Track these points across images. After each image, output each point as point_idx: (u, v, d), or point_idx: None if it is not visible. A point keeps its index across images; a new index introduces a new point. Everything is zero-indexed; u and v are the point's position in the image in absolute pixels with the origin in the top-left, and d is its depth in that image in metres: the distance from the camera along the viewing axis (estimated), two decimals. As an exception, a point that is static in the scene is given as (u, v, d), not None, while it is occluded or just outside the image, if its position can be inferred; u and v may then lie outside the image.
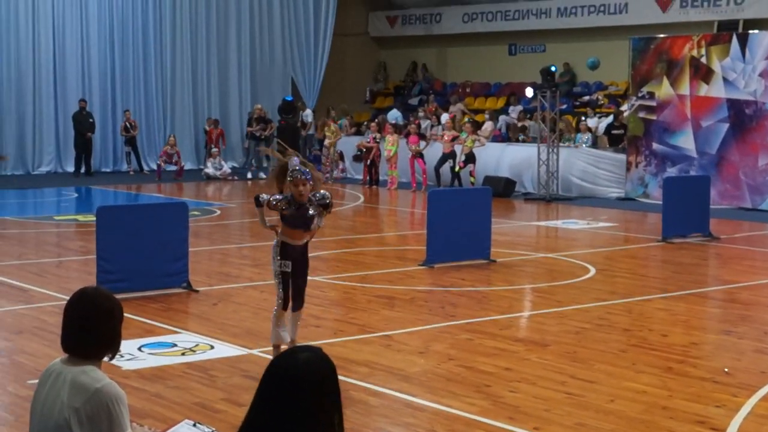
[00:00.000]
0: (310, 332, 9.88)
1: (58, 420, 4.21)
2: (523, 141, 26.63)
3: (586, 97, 29.49)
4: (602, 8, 29.65)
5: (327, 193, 8.73)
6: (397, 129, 27.09)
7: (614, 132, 25.21)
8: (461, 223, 14.07)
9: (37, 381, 4.51)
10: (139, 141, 30.13)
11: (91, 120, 28.67)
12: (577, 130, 25.94)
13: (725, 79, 22.03)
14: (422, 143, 25.88)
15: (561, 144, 24.42)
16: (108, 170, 30.25)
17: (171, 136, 29.05)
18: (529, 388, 8.12)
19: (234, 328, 10.13)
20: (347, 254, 15.34)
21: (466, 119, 27.08)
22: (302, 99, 32.12)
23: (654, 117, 23.21)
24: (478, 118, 29.21)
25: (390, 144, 26.14)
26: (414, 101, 33.22)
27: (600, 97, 29.11)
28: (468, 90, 33.05)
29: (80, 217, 19.62)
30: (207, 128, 30.39)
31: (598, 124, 26.74)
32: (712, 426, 7.23)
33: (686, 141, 22.69)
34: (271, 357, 8.31)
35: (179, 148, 29.31)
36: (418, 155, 25.69)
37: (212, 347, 9.42)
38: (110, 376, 4.35)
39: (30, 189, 25.24)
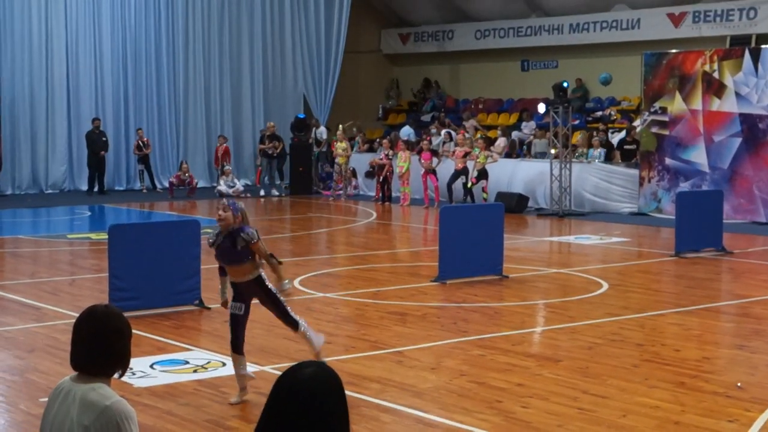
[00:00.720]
0: (322, 349, 9.87)
1: (68, 437, 4.22)
2: (524, 156, 26.64)
3: (599, 113, 29.49)
4: (614, 24, 29.67)
5: (253, 232, 8.25)
6: (410, 146, 27.13)
7: (627, 147, 25.19)
8: (474, 238, 14.07)
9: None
10: (152, 159, 30.21)
11: (104, 139, 28.79)
12: (590, 146, 25.93)
13: (738, 94, 22.00)
14: (434, 160, 25.90)
15: (573, 159, 24.40)
16: (121, 188, 30.34)
17: (184, 163, 29.08)
18: (541, 404, 8.11)
19: (246, 345, 10.10)
20: (360, 270, 15.34)
21: (478, 135, 27.11)
22: (314, 116, 32.17)
23: (666, 132, 23.18)
24: (491, 134, 29.22)
25: (402, 161, 26.17)
26: (426, 118, 33.26)
27: (612, 113, 29.10)
28: (480, 106, 33.08)
29: (93, 235, 19.67)
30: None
31: (611, 139, 26.72)
32: (725, 441, 7.22)
33: (699, 156, 22.66)
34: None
35: (191, 165, 29.37)
36: (431, 171, 25.71)
37: (224, 364, 9.42)
38: (121, 394, 4.36)
39: (43, 207, 25.34)
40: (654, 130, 23.44)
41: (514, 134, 29.17)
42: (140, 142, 29.48)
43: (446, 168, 25.78)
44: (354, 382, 8.52)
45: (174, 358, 9.69)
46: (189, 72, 31.57)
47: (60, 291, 13.42)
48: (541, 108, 25.87)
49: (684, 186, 22.52)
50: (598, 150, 25.28)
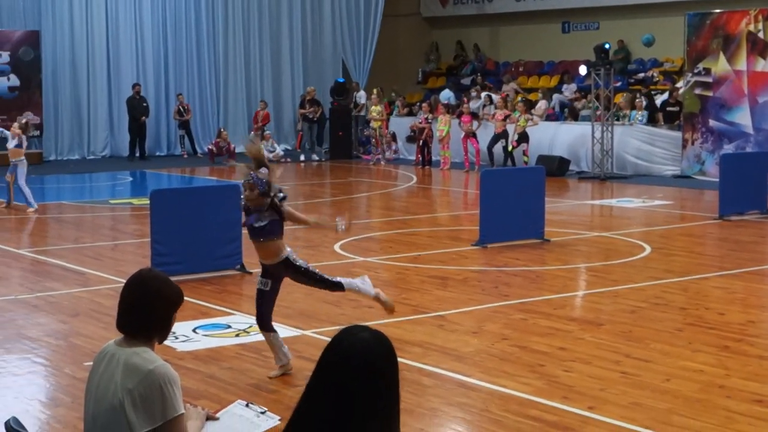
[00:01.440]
0: (363, 313, 9.91)
1: (112, 401, 4.25)
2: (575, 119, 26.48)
3: (641, 75, 29.20)
4: (657, -17, 29.31)
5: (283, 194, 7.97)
6: (450, 109, 27.01)
7: (669, 109, 24.93)
8: (515, 202, 14.01)
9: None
10: (193, 124, 30.28)
11: (144, 104, 28.86)
12: (632, 108, 25.70)
13: (783, 54, 21.72)
14: (475, 123, 25.79)
15: (615, 122, 24.21)
16: (162, 154, 30.45)
17: (222, 130, 29.04)
18: (583, 368, 8.09)
19: (287, 310, 10.17)
20: (400, 235, 15.34)
21: (519, 98, 26.94)
22: (354, 80, 32.09)
23: (710, 93, 22.93)
24: (532, 97, 29.05)
25: (442, 124, 26.08)
26: (466, 81, 33.09)
27: (655, 74, 28.81)
28: (521, 69, 32.85)
29: (135, 201, 19.79)
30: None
31: (655, 101, 26.47)
32: (770, 405, 7.17)
33: (743, 117, 22.40)
34: (326, 338, 8.33)
35: (232, 130, 29.44)
36: (471, 135, 25.61)
37: (266, 328, 9.46)
38: (164, 358, 4.38)
39: (86, 173, 25.51)
40: (697, 91, 23.19)
41: (555, 97, 28.97)
42: (180, 108, 29.54)
43: (486, 131, 25.68)
44: (395, 347, 8.49)
45: (216, 322, 9.75)
46: (228, 37, 31.55)
47: (103, 256, 13.52)
48: (583, 70, 25.67)
49: (728, 148, 22.29)
50: (641, 112, 25.05)
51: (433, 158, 26.87)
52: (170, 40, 30.60)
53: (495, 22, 34.20)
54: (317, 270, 8.18)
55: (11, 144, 18.16)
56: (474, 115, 26.25)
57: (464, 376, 7.92)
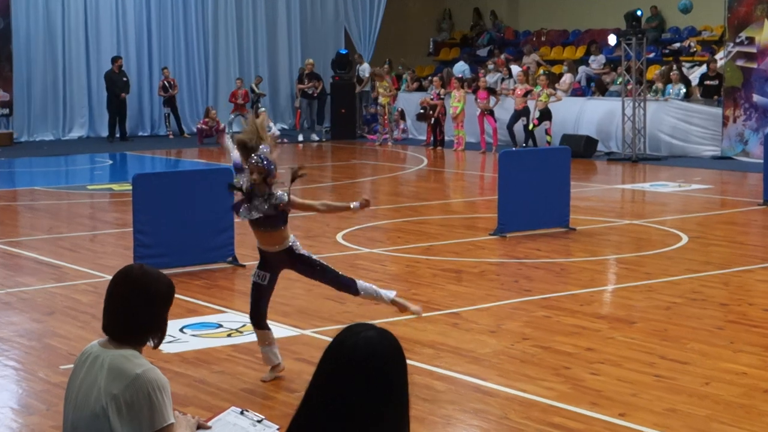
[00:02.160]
0: (369, 310, 9.92)
1: (94, 408, 4.27)
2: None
3: (677, 45, 29.15)
4: (694, -57, 29.25)
5: (283, 196, 7.85)
6: (464, 84, 26.99)
7: (708, 83, 24.90)
8: (536, 187, 14.01)
9: (71, 366, 4.58)
10: (179, 101, 30.29)
11: (125, 79, 28.80)
12: (668, 81, 25.66)
13: (835, 21, 21.69)
14: (492, 99, 25.78)
15: (649, 97, 24.19)
16: (145, 134, 30.48)
17: (211, 108, 28.92)
18: (613, 371, 8.10)
19: (285, 307, 10.19)
20: (409, 223, 15.36)
21: (541, 71, 26.93)
22: (358, 52, 32.07)
23: (754, 65, 22.90)
24: (555, 69, 29.01)
25: (456, 100, 26.07)
26: (482, 52, 33.06)
27: (692, 44, 28.76)
28: (543, 39, 32.82)
29: (115, 186, 19.81)
30: (254, 86, 30.46)
31: (690, 74, 26.44)
32: (820, 411, 7.18)
33: (791, 92, 22.39)
34: (327, 338, 8.35)
35: (225, 107, 29.48)
36: (488, 112, 25.60)
37: (261, 328, 9.49)
38: (151, 361, 4.40)
39: (61, 156, 25.55)
40: (739, 63, 23.15)
41: (581, 70, 28.95)
42: (166, 83, 29.54)
43: (505, 108, 25.67)
44: (405, 347, 8.51)
45: (206, 321, 9.77)
46: (219, 3, 31.53)
47: (80, 248, 13.55)
48: (612, 40, 25.63)
49: (773, 126, 22.27)
50: (677, 86, 25.00)
51: (446, 138, 26.87)
52: (154, 7, 30.60)
53: (514, -13, 34.18)
54: (324, 261, 8.13)
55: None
56: (491, 91, 26.24)
57: (481, 380, 7.94)
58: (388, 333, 3.48)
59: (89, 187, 19.95)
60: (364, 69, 31.01)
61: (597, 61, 29.08)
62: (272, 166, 7.82)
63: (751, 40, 22.99)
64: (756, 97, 22.93)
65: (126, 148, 27.06)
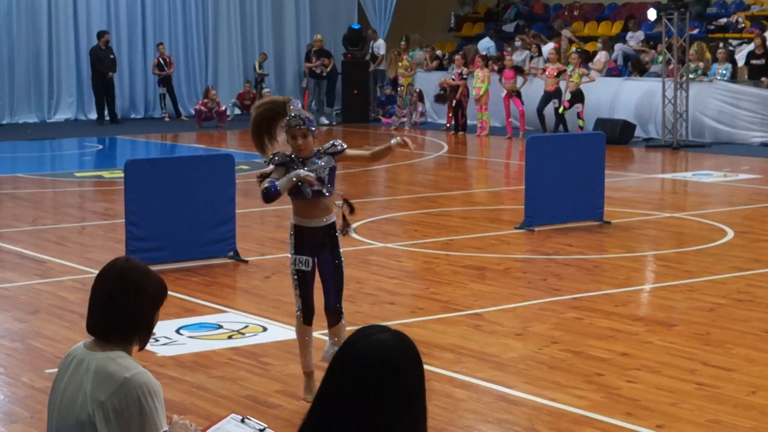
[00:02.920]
0: (382, 310, 9.94)
1: (80, 415, 4.29)
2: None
3: (723, 20, 29.10)
4: None
5: (337, 141, 7.71)
6: (488, 62, 26.96)
7: (755, 62, 24.83)
8: (567, 176, 14.00)
9: (55, 371, 4.60)
10: (176, 81, 30.32)
11: (111, 56, 28.73)
12: (714, 60, 25.61)
13: None
14: (519, 79, 25.76)
15: (692, 78, 24.14)
16: (138, 117, 30.55)
17: (210, 88, 28.94)
18: (650, 378, 8.11)
19: (291, 306, 10.16)
20: (428, 216, 15.37)
21: (573, 49, 26.90)
22: (371, 27, 32.07)
23: (808, 43, 22.84)
24: (589, 47, 28.97)
25: (480, 81, 26.05)
26: (509, 28, 33.05)
27: (740, 20, 28.71)
28: (576, 13, 32.80)
29: (106, 174, 19.86)
30: (257, 65, 30.50)
31: (738, 53, 26.38)
32: None
33: None
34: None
35: (227, 87, 29.52)
36: (514, 94, 25.58)
37: (265, 329, 9.52)
38: (143, 364, 4.42)
39: (46, 140, 25.60)
40: (792, 40, 23.09)
41: (618, 47, 28.91)
42: (161, 60, 29.56)
43: (534, 90, 25.63)
44: (422, 351, 8.52)
45: (205, 321, 9.80)
46: (219, -26, 31.61)
47: (67, 241, 13.59)
48: (652, 14, 25.58)
49: (830, 110, 22.23)
50: (724, 65, 24.94)
51: (468, 122, 26.86)
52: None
53: (544, -44, 34.16)
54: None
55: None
56: (518, 70, 26.21)
57: (506, 387, 7.95)
58: (403, 335, 3.49)
59: (77, 174, 20.00)
60: (379, 46, 31.00)
61: (635, 38, 29.05)
62: (313, 120, 7.61)
63: (805, 16, 22.95)
64: (810, 78, 22.87)
65: (117, 131, 27.10)
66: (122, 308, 4.40)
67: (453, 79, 27.19)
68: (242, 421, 4.82)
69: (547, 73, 25.34)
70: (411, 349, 3.50)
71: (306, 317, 7.81)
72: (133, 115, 30.46)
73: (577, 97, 24.52)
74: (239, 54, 32.01)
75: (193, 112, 29.18)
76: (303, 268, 7.62)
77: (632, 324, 9.64)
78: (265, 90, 29.41)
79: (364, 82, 30.08)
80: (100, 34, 28.70)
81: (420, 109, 29.03)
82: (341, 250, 7.73)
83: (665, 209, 15.98)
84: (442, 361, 8.53)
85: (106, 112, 28.67)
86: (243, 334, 9.42)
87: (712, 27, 29.02)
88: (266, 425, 4.84)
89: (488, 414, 7.44)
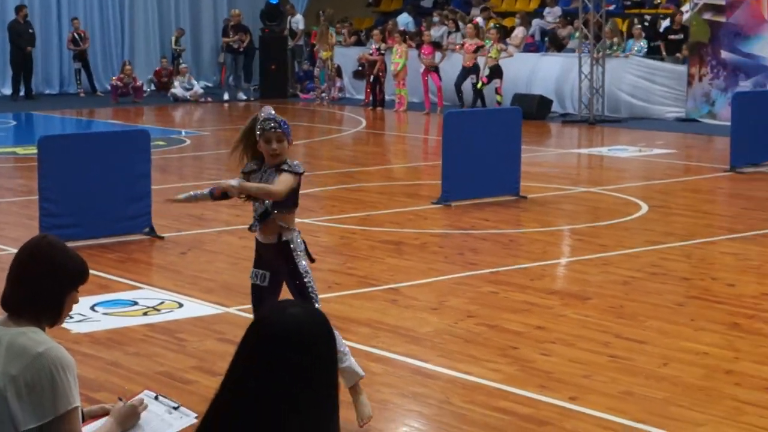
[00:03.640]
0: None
1: (-8, 391, 4.28)
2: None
3: (639, -5, 29.31)
4: None
5: (298, 164, 6.86)
6: (407, 38, 26.98)
7: (671, 37, 25.06)
8: (484, 151, 14.07)
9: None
10: (91, 56, 30.02)
11: (30, 31, 28.44)
12: (629, 36, 25.82)
13: (809, -29, 21.91)
14: (437, 55, 25.79)
15: (608, 54, 24.31)
16: (53, 92, 30.24)
17: (126, 63, 28.83)
18: (565, 351, 8.19)
19: (207, 282, 10.21)
20: (345, 191, 15.38)
21: (491, 25, 26.98)
22: (289, 2, 31.95)
23: (723, 19, 23.08)
24: (506, 23, 29.08)
25: (398, 56, 26.05)
26: (427, 3, 33.06)
27: (656, -5, 28.93)
28: (494, -12, 32.86)
29: (19, 150, 19.67)
30: (173, 40, 30.36)
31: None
32: (786, 393, 7.31)
33: (763, 48, 22.58)
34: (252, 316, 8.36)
35: (144, 62, 29.33)
36: (432, 69, 25.62)
37: (181, 305, 9.49)
38: (57, 341, 4.41)
39: (-42, 116, 25.29)
40: (707, 16, 23.32)
41: (535, 23, 29.04)
42: (76, 35, 29.26)
43: (452, 65, 25.68)
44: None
45: (120, 298, 9.75)
46: (134, -53, 31.31)
47: (-20, 218, 13.47)
48: (568, -10, 25.68)
49: (744, 85, 22.48)
50: (640, 41, 25.14)
51: (386, 98, 26.88)
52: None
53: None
54: (310, 284, 7.04)
55: None
56: (436, 46, 26.25)
57: (421, 361, 7.99)
58: (315, 309, 3.52)
59: (-10, 150, 19.79)
60: (297, 21, 30.89)
61: (552, 14, 29.18)
62: (289, 126, 6.90)
63: (719, -8, 23.16)
64: (724, 54, 23.10)
65: (32, 107, 26.83)
66: (33, 285, 4.40)
67: (371, 55, 27.18)
68: (156, 398, 4.84)
69: (465, 48, 25.42)
70: (323, 323, 3.53)
71: None
72: (48, 91, 30.15)
73: (495, 72, 24.59)
74: (156, 28, 31.79)
75: (109, 87, 28.94)
76: (256, 281, 7.01)
77: (547, 297, 9.72)
78: (182, 65, 29.24)
79: (282, 57, 29.97)
80: (18, 9, 28.36)
81: (338, 84, 28.99)
82: (297, 260, 6.91)
83: (581, 184, 16.12)
84: (359, 335, 8.55)
85: (21, 87, 28.34)
86: (158, 310, 9.39)
87: (629, 3, 29.20)
88: (180, 403, 4.86)
89: (404, 387, 7.48)
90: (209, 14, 32.61)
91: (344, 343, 7.04)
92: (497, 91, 24.55)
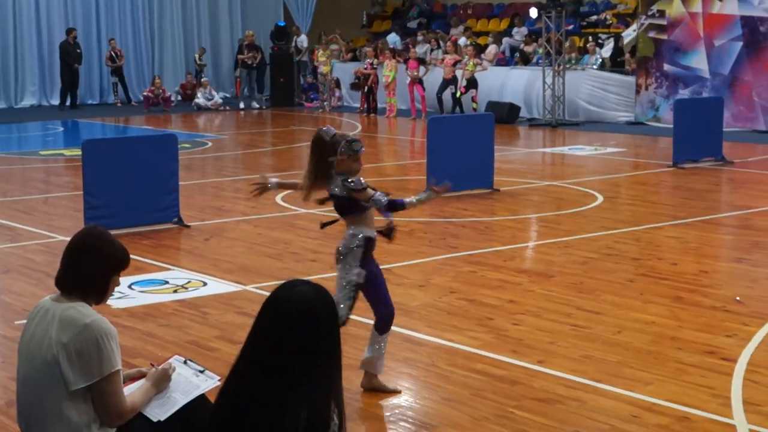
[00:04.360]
0: (306, 266, 9.95)
1: (46, 356, 4.28)
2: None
3: (594, 17, 29.30)
4: None
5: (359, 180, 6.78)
6: (396, 54, 26.96)
7: (620, 59, 25.28)
8: (463, 151, 14.06)
9: (24, 321, 4.58)
10: (126, 71, 30.00)
11: (78, 50, 28.40)
12: (585, 52, 25.84)
13: (739, -4, 21.90)
14: (422, 69, 25.79)
15: (567, 67, 24.31)
16: (94, 102, 30.19)
17: (156, 77, 28.82)
18: (533, 321, 8.20)
19: (227, 264, 10.20)
20: (345, 186, 15.32)
21: (468, 42, 26.95)
22: (296, 24, 31.90)
23: (665, 36, 23.09)
24: (481, 41, 29.06)
25: (388, 70, 26.05)
26: (413, 24, 33.01)
27: (608, 17, 28.92)
28: (469, 12, 32.83)
29: (67, 152, 19.63)
30: (197, 57, 30.34)
31: (607, 45, 26.62)
32: (722, 356, 7.29)
33: (699, 61, 22.59)
34: (267, 293, 8.34)
35: (172, 76, 29.24)
36: (417, 81, 25.60)
37: (205, 284, 9.49)
38: (100, 314, 4.42)
39: (14, 123, 25.20)
40: (651, 34, 23.34)
41: (505, 41, 29.01)
42: (113, 53, 29.23)
43: (434, 77, 25.67)
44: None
45: (153, 278, 9.74)
46: (163, -22, 31.22)
47: (34, 210, 13.42)
48: (533, 13, 25.71)
49: (683, 93, 22.50)
50: (595, 56, 25.18)
51: (379, 105, 26.86)
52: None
53: (442, -37, 34.09)
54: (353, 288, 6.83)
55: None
56: (421, 61, 26.24)
57: (410, 330, 7.99)
58: (321, 288, 3.53)
59: (42, 152, 19.73)
60: (302, 40, 30.86)
61: (520, 33, 29.16)
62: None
63: (662, 13, 23.17)
64: (666, 66, 23.13)
65: (77, 115, 26.78)
66: (81, 268, 4.41)
67: (365, 69, 27.16)
68: (185, 362, 4.84)
69: (445, 62, 25.41)
70: (328, 300, 3.54)
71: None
72: (90, 101, 30.09)
73: (472, 83, 24.59)
74: (181, 48, 31.74)
75: (141, 98, 28.89)
76: (357, 279, 6.80)
77: (517, 276, 9.72)
78: (204, 79, 29.20)
79: (290, 71, 29.96)
80: (69, 31, 28.34)
81: (337, 94, 28.96)
82: (348, 267, 7.01)
83: (546, 178, 16.11)
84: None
85: (67, 98, 28.28)
86: (186, 288, 9.38)
87: (585, 23, 29.19)
88: (205, 367, 4.86)
89: (396, 353, 7.47)
90: (227, 35, 32.55)
91: (384, 346, 6.81)
92: (473, 100, 24.56)
